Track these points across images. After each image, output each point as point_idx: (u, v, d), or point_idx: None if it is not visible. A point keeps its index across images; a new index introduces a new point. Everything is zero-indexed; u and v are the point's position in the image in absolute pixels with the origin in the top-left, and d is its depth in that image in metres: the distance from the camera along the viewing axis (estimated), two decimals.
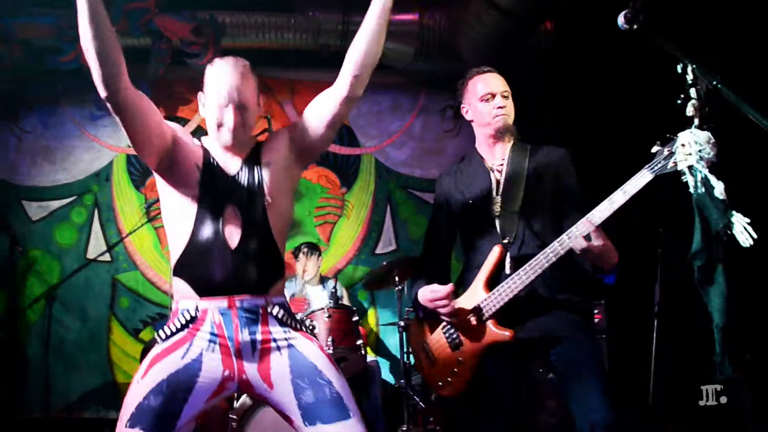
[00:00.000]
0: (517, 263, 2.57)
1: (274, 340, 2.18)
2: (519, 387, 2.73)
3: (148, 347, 2.23)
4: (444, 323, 2.70)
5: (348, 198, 5.97)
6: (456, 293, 2.72)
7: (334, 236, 5.90)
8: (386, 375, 5.63)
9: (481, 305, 2.57)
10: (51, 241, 5.37)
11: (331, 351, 4.14)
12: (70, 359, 5.32)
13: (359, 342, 4.29)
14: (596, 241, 2.37)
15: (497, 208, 2.69)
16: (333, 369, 2.17)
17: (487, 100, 2.75)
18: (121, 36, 4.93)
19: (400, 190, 6.05)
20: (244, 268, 2.19)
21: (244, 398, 4.02)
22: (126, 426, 2.03)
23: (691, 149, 1.95)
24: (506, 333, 2.53)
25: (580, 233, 2.40)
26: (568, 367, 2.57)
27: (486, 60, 5.33)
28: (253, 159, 2.34)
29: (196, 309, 2.18)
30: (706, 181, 1.91)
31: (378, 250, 5.96)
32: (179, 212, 2.26)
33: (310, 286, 5.17)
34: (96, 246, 5.45)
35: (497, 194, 2.71)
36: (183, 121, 5.60)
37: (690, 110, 1.90)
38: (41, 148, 5.40)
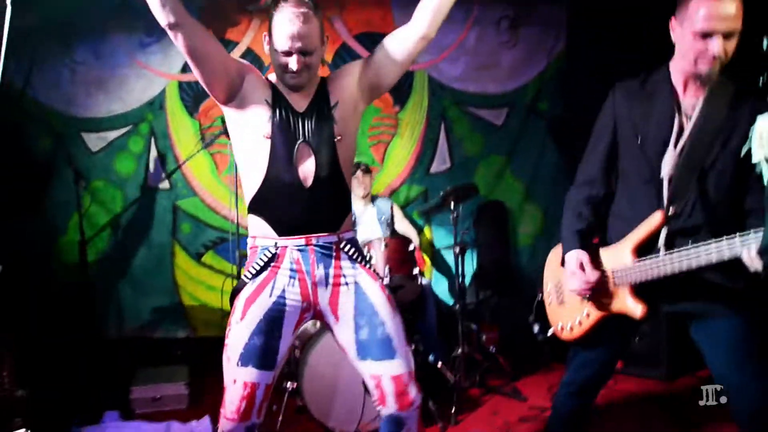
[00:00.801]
0: (676, 236, 2.30)
1: (344, 276, 2.40)
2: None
3: (237, 289, 2.40)
4: None
5: (402, 116, 5.84)
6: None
7: (388, 156, 5.84)
8: (441, 293, 5.70)
9: (624, 272, 2.40)
10: (112, 171, 5.46)
11: (388, 279, 4.20)
12: (138, 283, 5.53)
13: (415, 271, 4.33)
14: None
15: (671, 165, 2.29)
16: (389, 309, 2.39)
17: (702, 38, 2.16)
18: None
19: (455, 106, 5.88)
20: (318, 206, 2.38)
21: (306, 326, 4.15)
22: (238, 365, 2.28)
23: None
24: (638, 308, 2.37)
25: (755, 247, 1.99)
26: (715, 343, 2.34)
27: None
28: (320, 96, 2.45)
29: (276, 247, 2.38)
30: None
31: (432, 169, 5.88)
32: (252, 149, 2.38)
33: (362, 207, 5.18)
34: (155, 173, 5.53)
35: (675, 146, 2.29)
36: (231, 44, 5.51)
37: None
38: (94, 78, 5.40)
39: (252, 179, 2.39)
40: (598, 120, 2.55)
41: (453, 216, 4.67)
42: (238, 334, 2.30)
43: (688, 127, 2.28)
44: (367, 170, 5.21)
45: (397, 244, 4.36)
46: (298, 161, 2.34)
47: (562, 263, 2.58)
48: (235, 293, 2.40)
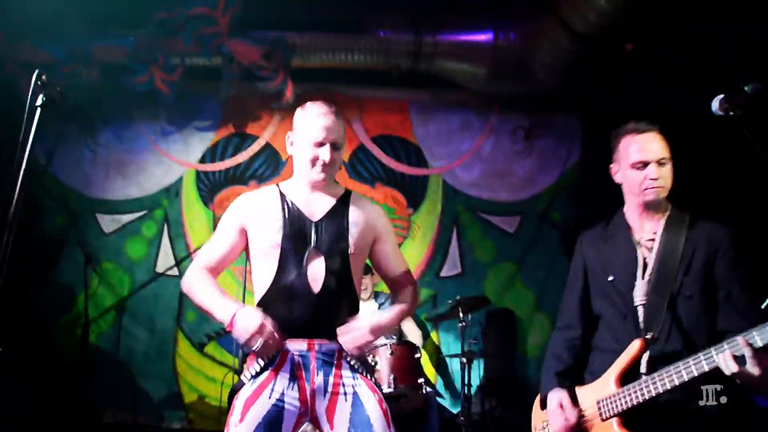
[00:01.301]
0: (657, 362, 2.31)
1: (343, 385, 2.37)
2: None
3: (235, 389, 2.38)
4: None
5: (414, 219, 5.88)
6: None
7: None
8: (446, 400, 5.56)
9: (609, 401, 2.39)
10: (122, 253, 5.50)
11: (392, 389, 4.11)
12: (137, 368, 5.45)
13: (420, 380, 4.24)
14: (752, 369, 2.01)
15: (642, 295, 2.39)
16: (384, 424, 2.33)
17: (639, 168, 2.39)
18: (192, 57, 5.01)
19: (468, 212, 5.92)
20: (324, 311, 2.38)
21: (306, 429, 4.04)
22: None
23: None
24: None
25: (731, 352, 2.05)
26: None
27: (560, 82, 5.24)
28: (341, 206, 2.50)
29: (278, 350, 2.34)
30: None
31: (443, 273, 5.86)
32: (263, 256, 2.42)
33: (363, 304, 5.10)
34: (165, 260, 5.55)
35: (643, 278, 2.40)
36: (251, 138, 5.64)
37: None
38: (115, 161, 5.52)
39: (261, 282, 2.41)
40: (571, 268, 2.72)
41: (461, 325, 4.62)
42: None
43: (651, 259, 2.41)
44: (369, 270, 5.13)
45: (403, 351, 4.29)
46: (308, 267, 2.37)
47: (542, 405, 2.63)
48: (233, 393, 2.37)
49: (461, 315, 4.61)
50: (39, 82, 2.12)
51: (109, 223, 5.50)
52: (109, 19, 4.76)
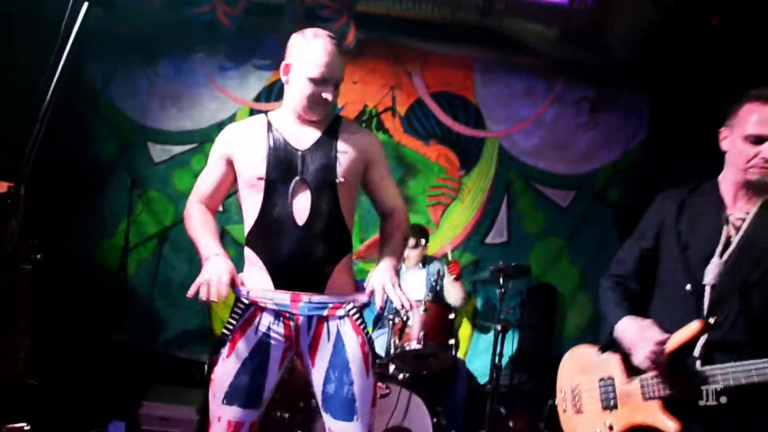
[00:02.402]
0: (713, 349, 2.17)
1: (327, 323, 2.35)
2: None
3: (216, 347, 2.39)
4: (602, 377, 2.46)
5: (465, 181, 5.72)
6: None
7: (445, 218, 5.70)
8: (475, 369, 5.46)
9: (654, 381, 2.26)
10: (169, 184, 5.52)
11: (421, 345, 4.02)
12: (173, 298, 5.49)
13: (451, 341, 4.14)
14: None
15: (716, 275, 2.20)
16: (362, 368, 2.34)
17: (753, 143, 2.16)
18: None
19: (521, 180, 5.72)
20: (311, 246, 2.30)
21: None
22: (223, 403, 2.29)
23: None
24: (672, 425, 2.18)
25: None
26: None
27: (634, 54, 4.97)
28: (330, 135, 2.41)
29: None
30: None
31: (488, 240, 5.71)
32: (248, 188, 2.36)
33: (409, 270, 4.99)
34: None
35: (721, 256, 2.21)
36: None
37: None
38: (171, 93, 5.52)
39: (249, 215, 2.37)
40: (643, 221, 2.49)
41: (500, 291, 4.49)
42: (224, 372, 2.29)
43: (735, 239, 2.21)
44: (418, 245, 4.96)
45: (437, 310, 4.20)
46: (294, 199, 2.31)
47: (600, 349, 2.48)
48: (215, 350, 2.34)
49: (501, 282, 4.47)
50: None
51: (159, 152, 5.51)
52: None
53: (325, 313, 2.34)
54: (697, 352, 2.19)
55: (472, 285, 5.59)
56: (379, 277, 2.30)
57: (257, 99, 5.57)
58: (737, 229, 2.22)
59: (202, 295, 2.13)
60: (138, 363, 5.17)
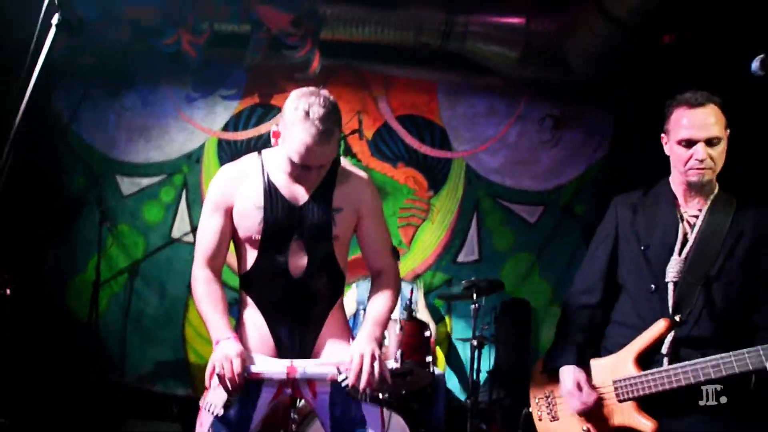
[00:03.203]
0: (681, 345, 2.22)
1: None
2: None
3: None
4: None
5: (434, 202, 5.80)
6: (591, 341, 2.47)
7: (416, 239, 5.76)
8: (453, 387, 5.48)
9: (628, 383, 2.29)
10: (139, 217, 5.49)
11: (398, 364, 4.03)
12: (146, 332, 5.44)
13: (428, 358, 4.16)
14: None
15: (676, 272, 2.27)
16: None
17: (686, 147, 2.26)
18: (221, 22, 4.98)
19: (489, 198, 5.82)
20: (306, 296, 2.32)
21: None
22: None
23: None
24: (648, 423, 2.23)
25: None
26: None
27: (593, 72, 5.12)
28: (325, 192, 2.35)
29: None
30: None
31: (460, 259, 5.77)
32: (244, 240, 2.34)
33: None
34: (181, 225, 5.53)
35: (680, 254, 2.28)
36: (275, 110, 5.59)
37: None
38: (139, 125, 5.52)
39: (243, 262, 2.37)
40: (599, 230, 2.55)
41: (474, 307, 4.54)
42: (214, 400, 2.24)
43: (692, 236, 2.29)
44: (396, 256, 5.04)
45: (413, 328, 4.22)
46: (290, 255, 2.30)
47: (543, 370, 2.54)
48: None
49: (475, 297, 4.52)
50: (55, 1, 2.02)
51: (128, 185, 5.50)
52: None
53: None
54: (665, 349, 2.25)
55: (446, 304, 5.63)
56: (358, 347, 2.24)
57: (225, 129, 5.60)
58: (692, 226, 2.31)
59: (209, 383, 2.20)
60: (112, 398, 5.09)
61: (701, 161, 2.23)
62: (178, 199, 5.55)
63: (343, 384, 2.21)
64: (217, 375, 2.15)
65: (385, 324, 2.41)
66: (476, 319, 4.56)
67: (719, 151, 2.25)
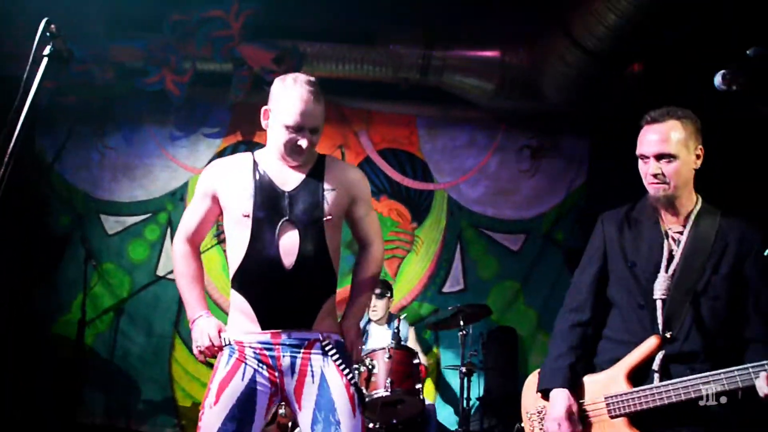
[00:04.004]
0: (671, 361, 2.22)
1: (311, 366, 2.33)
2: None
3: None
4: None
5: (418, 233, 5.86)
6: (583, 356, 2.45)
7: (401, 271, 5.80)
8: (444, 418, 5.45)
9: (619, 399, 2.28)
10: (124, 255, 5.50)
11: (389, 392, 4.04)
12: (132, 372, 5.40)
13: (418, 386, 4.17)
14: None
15: (663, 288, 2.27)
16: (348, 408, 2.31)
17: (643, 161, 2.29)
18: (204, 61, 5.08)
19: (472, 228, 5.90)
20: (297, 287, 2.32)
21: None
22: None
23: None
24: None
25: None
26: None
27: (568, 101, 5.26)
28: (315, 175, 2.42)
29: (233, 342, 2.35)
30: None
31: (445, 289, 5.81)
32: (234, 229, 2.36)
33: (375, 325, 5.05)
34: (166, 263, 5.53)
35: (667, 270, 2.29)
36: (258, 146, 5.62)
37: None
38: (122, 164, 5.58)
39: (235, 257, 2.36)
40: (588, 247, 2.56)
41: (461, 334, 4.56)
42: (212, 419, 2.26)
43: (677, 253, 2.29)
44: (386, 290, 5.06)
45: (402, 356, 4.23)
46: (280, 240, 2.31)
47: (538, 390, 2.49)
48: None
49: (462, 323, 4.55)
50: (47, 33, 2.07)
51: (112, 224, 5.52)
52: (125, 20, 4.83)
53: (302, 351, 2.33)
54: (656, 365, 2.24)
55: (434, 332, 5.65)
56: (350, 325, 2.45)
57: None
58: (677, 242, 2.32)
59: (200, 358, 2.35)
60: None
61: (654, 176, 2.25)
62: (163, 237, 5.56)
63: (330, 351, 2.33)
64: (199, 351, 2.33)
65: (365, 305, 2.58)
66: (464, 346, 4.58)
67: (674, 167, 2.26)
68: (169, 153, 5.64)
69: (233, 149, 5.75)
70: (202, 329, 2.33)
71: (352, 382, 2.35)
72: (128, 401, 5.33)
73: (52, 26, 2.06)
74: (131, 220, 5.56)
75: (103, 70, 4.94)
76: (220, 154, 5.73)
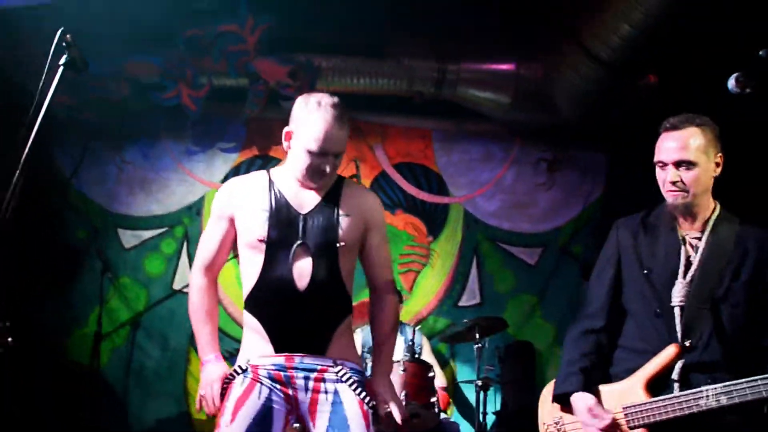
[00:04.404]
0: (691, 370, 2.19)
1: (324, 382, 2.30)
2: None
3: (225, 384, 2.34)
4: None
5: (434, 247, 5.84)
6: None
7: (417, 285, 5.78)
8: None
9: (639, 410, 2.24)
10: (140, 269, 5.53)
11: (404, 404, 3.99)
12: (148, 386, 5.42)
13: (433, 399, 4.15)
14: None
15: (681, 296, 2.24)
16: (362, 425, 2.26)
17: (661, 168, 2.28)
18: (219, 77, 5.13)
19: (488, 242, 5.87)
20: (311, 310, 2.29)
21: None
22: None
23: None
24: None
25: None
26: None
27: (583, 113, 5.24)
28: (332, 199, 2.38)
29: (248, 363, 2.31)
30: None
31: (461, 303, 5.78)
32: (249, 248, 2.34)
33: None
34: (182, 277, 5.54)
35: (685, 277, 2.26)
36: (274, 161, 5.69)
37: None
38: (139, 179, 5.63)
39: (248, 278, 2.34)
40: (602, 254, 2.53)
41: (477, 347, 4.52)
42: None
43: (695, 259, 2.26)
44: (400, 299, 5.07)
45: (416, 369, 4.21)
46: (294, 262, 2.28)
47: (555, 400, 2.46)
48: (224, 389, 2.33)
49: (478, 336, 4.51)
50: (63, 42, 2.10)
51: (129, 238, 5.56)
52: (140, 36, 4.87)
53: (315, 374, 2.29)
54: (675, 375, 2.21)
55: (450, 345, 5.61)
56: (381, 395, 2.36)
57: (224, 181, 5.65)
58: (695, 248, 2.29)
59: (207, 411, 2.31)
60: None
61: (673, 183, 2.23)
62: (179, 251, 5.59)
63: (344, 377, 2.29)
64: (202, 399, 2.30)
65: (392, 355, 2.49)
66: (480, 359, 4.54)
67: (693, 175, 2.24)
68: (185, 167, 5.69)
69: (249, 164, 5.79)
70: (208, 379, 2.31)
71: (367, 401, 2.31)
72: (144, 415, 5.32)
73: (68, 36, 2.09)
74: (148, 234, 5.59)
75: (119, 86, 5.00)
76: (237, 168, 5.76)
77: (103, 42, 4.74)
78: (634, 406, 2.26)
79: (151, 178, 5.63)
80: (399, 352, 4.83)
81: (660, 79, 5.21)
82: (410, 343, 4.46)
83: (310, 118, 2.24)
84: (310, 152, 2.25)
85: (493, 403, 5.35)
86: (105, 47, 4.74)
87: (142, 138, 5.64)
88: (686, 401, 2.14)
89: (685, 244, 2.30)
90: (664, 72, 5.15)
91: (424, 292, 5.78)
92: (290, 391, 2.29)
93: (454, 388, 5.58)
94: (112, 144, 5.57)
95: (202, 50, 4.92)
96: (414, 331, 4.86)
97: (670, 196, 2.26)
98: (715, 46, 4.32)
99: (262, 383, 2.27)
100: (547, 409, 2.64)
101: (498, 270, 5.85)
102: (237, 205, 2.36)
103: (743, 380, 2.04)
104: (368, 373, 2.60)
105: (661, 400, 2.19)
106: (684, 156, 2.22)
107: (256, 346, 2.31)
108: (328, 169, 2.28)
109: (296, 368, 2.28)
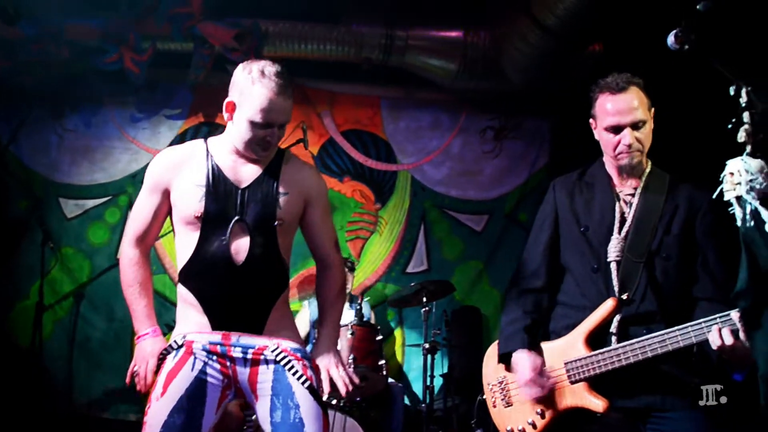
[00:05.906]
0: (628, 323, 2.24)
1: (264, 355, 2.24)
2: None
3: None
4: None
5: (382, 214, 5.87)
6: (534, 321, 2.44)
7: (365, 252, 5.81)
8: (409, 394, 5.49)
9: (579, 364, 2.29)
10: (83, 239, 5.41)
11: (351, 369, 4.04)
12: (94, 357, 5.33)
13: (381, 362, 4.20)
14: (745, 341, 1.97)
15: (618, 250, 2.30)
16: (306, 393, 2.21)
17: (613, 132, 2.29)
18: (164, 40, 5.00)
19: (435, 209, 5.93)
20: (248, 285, 2.23)
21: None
22: None
23: (740, 178, 1.67)
24: (599, 402, 2.23)
25: (729, 327, 2.01)
26: None
27: (529, 81, 5.30)
28: (271, 173, 2.32)
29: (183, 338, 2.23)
30: (756, 214, 1.66)
31: (409, 269, 5.84)
32: (184, 223, 2.25)
33: None
34: None
35: (620, 232, 2.32)
36: (220, 128, 5.57)
37: (742, 136, 1.66)
38: (82, 147, 5.49)
39: (184, 252, 2.26)
40: (540, 213, 2.57)
41: (424, 311, 4.58)
42: (158, 411, 2.13)
43: (629, 215, 2.32)
44: (351, 268, 5.11)
45: (364, 332, 4.26)
46: (232, 237, 2.21)
47: (501, 360, 2.49)
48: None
49: (425, 300, 4.57)
50: None
51: (72, 207, 5.43)
52: None
53: (252, 351, 2.24)
54: (613, 328, 2.26)
55: (397, 310, 5.67)
56: (323, 360, 2.32)
57: None
58: (629, 204, 2.35)
59: (139, 387, 2.23)
60: (61, 427, 4.95)
61: (629, 146, 2.27)
62: (124, 220, 5.48)
63: (282, 361, 2.22)
64: (134, 374, 2.23)
65: (338, 325, 2.46)
66: (427, 323, 4.60)
67: (645, 133, 2.30)
68: (129, 135, 5.57)
69: (195, 131, 5.70)
70: (144, 355, 2.24)
71: (302, 381, 2.24)
72: (90, 387, 5.25)
73: None
74: (91, 203, 5.47)
75: (58, 49, 4.83)
76: (182, 135, 5.66)
77: (40, 4, 4.58)
78: (575, 360, 2.32)
79: (94, 146, 5.49)
80: (348, 317, 4.88)
81: (605, 47, 5.31)
82: (358, 308, 4.50)
83: (254, 89, 2.16)
84: (253, 124, 2.18)
85: (441, 366, 5.44)
86: (43, 8, 4.58)
87: (85, 105, 5.47)
88: (623, 353, 2.20)
89: (619, 200, 2.36)
90: (609, 40, 5.25)
91: (372, 259, 5.82)
92: (228, 363, 2.23)
93: (402, 354, 5.66)
94: (52, 111, 5.40)
95: (145, 12, 4.79)
96: (362, 295, 4.92)
97: (624, 158, 2.29)
98: (657, 8, 4.42)
99: (196, 356, 2.20)
100: (491, 368, 2.67)
101: (445, 237, 5.92)
102: (172, 178, 2.27)
103: (675, 328, 2.11)
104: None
105: (600, 353, 2.25)
106: (638, 116, 2.26)
107: (193, 319, 2.24)
108: (272, 140, 2.23)
109: (234, 345, 2.23)
